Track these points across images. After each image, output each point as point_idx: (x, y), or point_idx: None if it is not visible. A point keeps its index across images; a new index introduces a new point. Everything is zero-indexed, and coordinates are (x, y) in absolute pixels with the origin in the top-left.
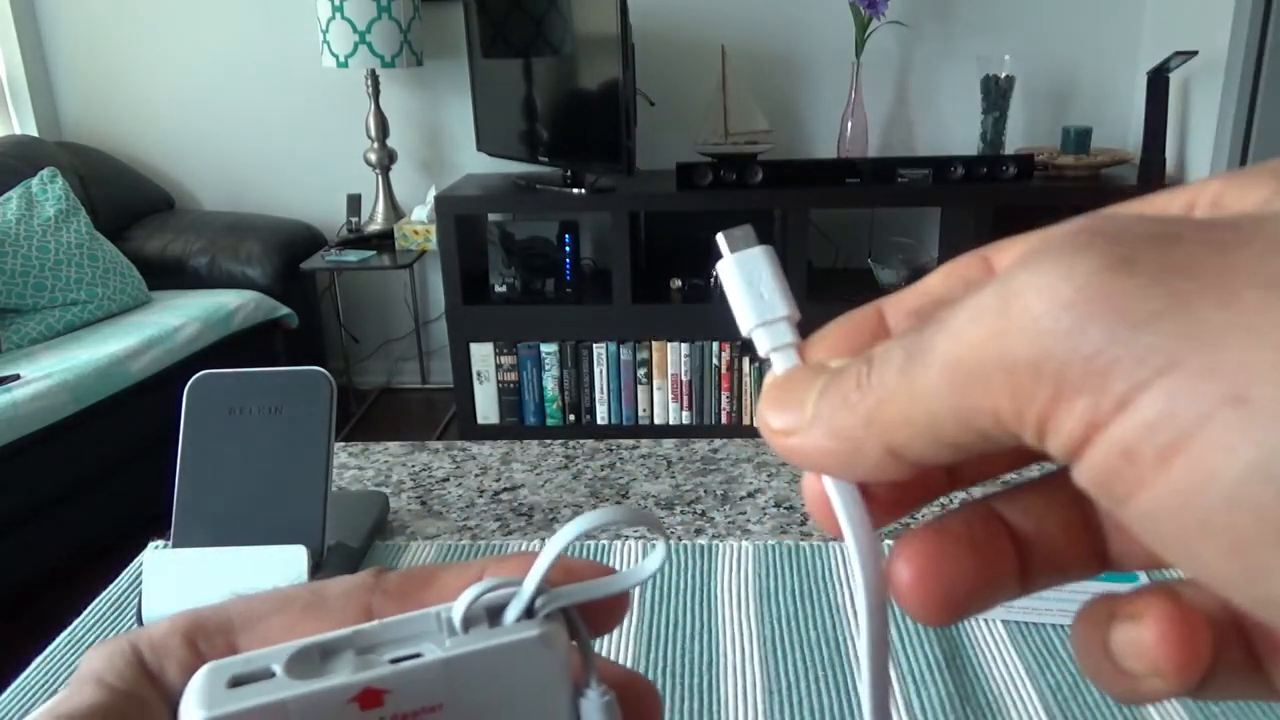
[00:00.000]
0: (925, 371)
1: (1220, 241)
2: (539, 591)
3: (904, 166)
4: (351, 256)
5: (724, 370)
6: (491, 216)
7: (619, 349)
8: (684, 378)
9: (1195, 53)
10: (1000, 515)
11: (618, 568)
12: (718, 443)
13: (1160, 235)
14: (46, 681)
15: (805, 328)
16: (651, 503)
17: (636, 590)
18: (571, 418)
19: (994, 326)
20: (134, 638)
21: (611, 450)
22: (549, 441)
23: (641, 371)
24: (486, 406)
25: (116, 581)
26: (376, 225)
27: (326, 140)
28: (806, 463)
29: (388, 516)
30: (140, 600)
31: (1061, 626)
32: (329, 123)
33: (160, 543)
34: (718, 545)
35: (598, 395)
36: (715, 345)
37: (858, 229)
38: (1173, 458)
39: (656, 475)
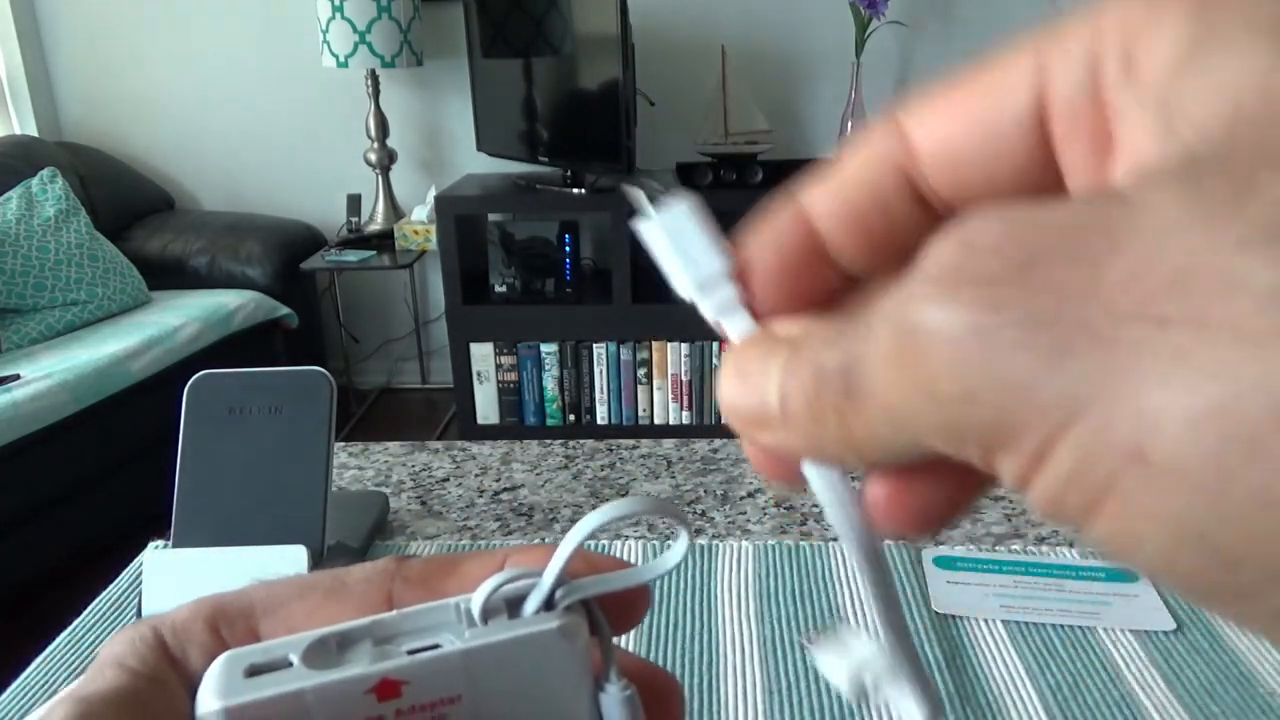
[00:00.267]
0: (868, 409)
1: (1087, 257)
2: (559, 583)
3: None
4: (351, 256)
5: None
6: (491, 216)
7: (619, 349)
8: (684, 378)
9: None
10: None
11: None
12: (718, 443)
13: (1023, 261)
14: (46, 681)
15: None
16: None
17: (656, 584)
18: (571, 418)
19: (905, 383)
20: (156, 622)
21: (611, 450)
22: (549, 441)
23: (641, 371)
24: (486, 406)
25: (116, 581)
26: (376, 225)
27: (326, 140)
28: (771, 450)
29: (388, 516)
30: (140, 600)
31: (1061, 626)
32: (329, 123)
33: (160, 543)
34: (718, 545)
35: (598, 395)
36: (715, 345)
37: None
38: (1097, 513)
39: (656, 475)
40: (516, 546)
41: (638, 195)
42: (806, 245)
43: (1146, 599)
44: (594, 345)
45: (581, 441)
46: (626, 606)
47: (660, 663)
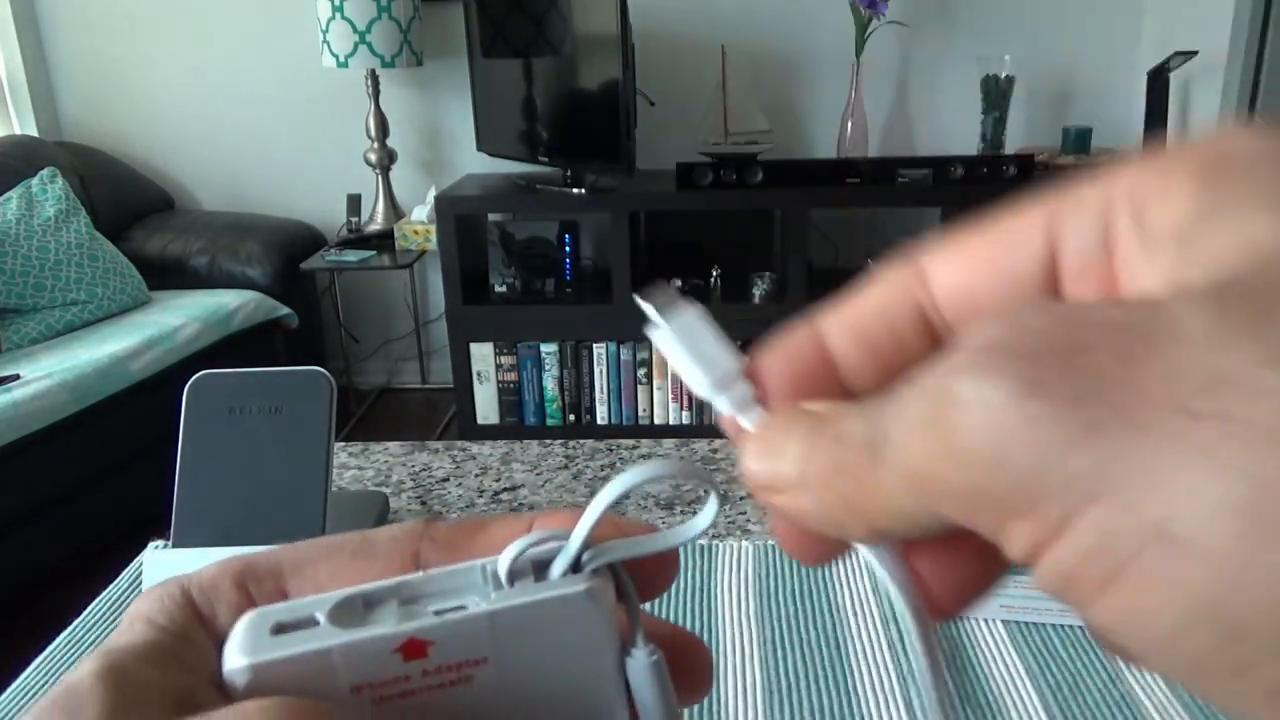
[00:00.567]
0: (888, 475)
1: (1128, 352)
2: (585, 547)
3: (904, 166)
4: (351, 256)
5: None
6: (491, 216)
7: (619, 349)
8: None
9: (1195, 53)
10: None
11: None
12: (718, 443)
13: (1068, 347)
14: (46, 681)
15: None
16: (652, 503)
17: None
18: (571, 418)
19: (932, 447)
20: (184, 581)
21: (611, 450)
22: (549, 441)
23: (641, 371)
24: (486, 406)
25: (116, 581)
26: (376, 225)
27: (326, 140)
28: (795, 521)
29: (388, 516)
30: None
31: (1061, 626)
32: (329, 123)
33: (160, 543)
34: (718, 545)
35: (598, 395)
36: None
37: (858, 229)
38: (1113, 585)
39: None
40: (544, 511)
41: (648, 306)
42: (817, 359)
43: None
44: (594, 345)
45: (581, 441)
46: (654, 572)
47: None
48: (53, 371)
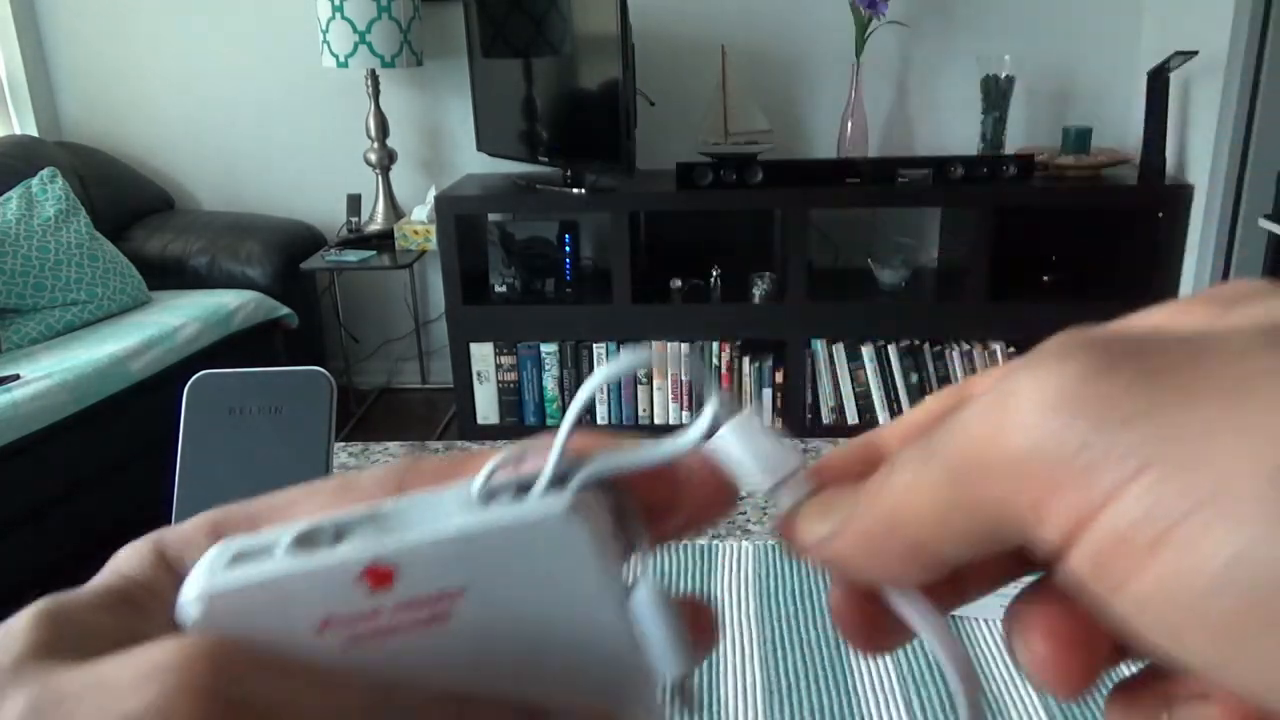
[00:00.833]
0: (935, 468)
1: (1192, 351)
2: (570, 463)
3: (904, 166)
4: (351, 256)
5: (724, 370)
6: (491, 216)
7: (619, 349)
8: (684, 378)
9: (1195, 53)
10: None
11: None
12: None
13: (1140, 345)
14: None
15: (807, 329)
16: None
17: None
18: None
19: (993, 423)
20: (159, 534)
21: None
22: None
23: (641, 371)
24: (486, 406)
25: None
26: (376, 225)
27: (326, 140)
28: (840, 566)
29: None
30: None
31: None
32: (329, 123)
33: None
34: (718, 545)
35: (598, 395)
36: (715, 345)
37: (858, 229)
38: (1160, 548)
39: None
40: (540, 437)
41: (711, 408)
42: (868, 456)
43: None
44: (594, 345)
45: None
46: (659, 496)
47: None
48: (53, 371)
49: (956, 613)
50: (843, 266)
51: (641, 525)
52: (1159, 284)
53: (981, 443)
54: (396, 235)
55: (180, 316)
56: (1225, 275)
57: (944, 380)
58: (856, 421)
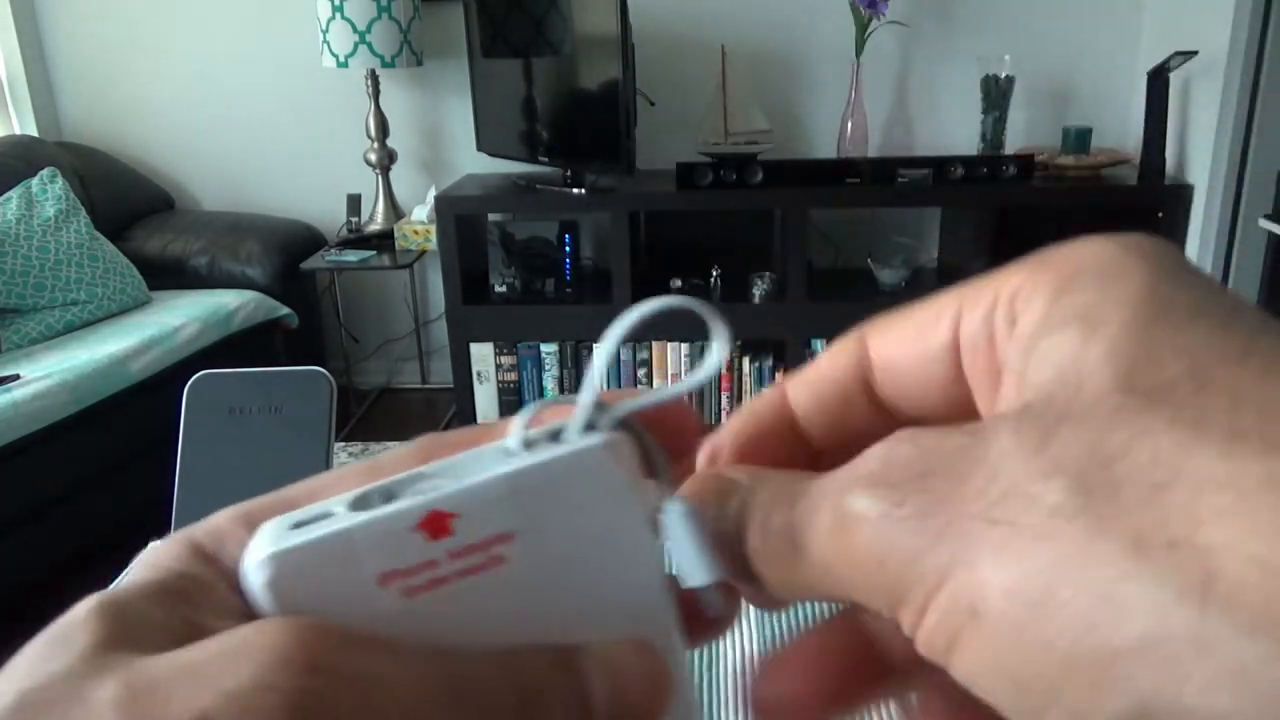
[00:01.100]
0: (807, 566)
1: (958, 473)
2: (599, 407)
3: (904, 166)
4: (351, 256)
5: (724, 370)
6: (491, 216)
7: (619, 349)
8: (682, 376)
9: (1195, 53)
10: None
11: None
12: None
13: (922, 473)
14: None
15: (807, 329)
16: None
17: None
18: None
19: (836, 552)
20: (190, 530)
21: None
22: None
23: (641, 371)
24: (486, 406)
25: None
26: (376, 225)
27: (326, 140)
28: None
29: None
30: None
31: None
32: (329, 123)
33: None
34: None
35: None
36: (715, 345)
37: (858, 229)
38: (952, 653)
39: None
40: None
41: (715, 351)
42: (783, 417)
43: None
44: (594, 345)
45: None
46: (675, 430)
47: None
48: (53, 371)
49: None
50: (843, 266)
51: (665, 461)
52: None
53: (835, 563)
54: (396, 235)
55: (180, 316)
56: (1225, 275)
57: None
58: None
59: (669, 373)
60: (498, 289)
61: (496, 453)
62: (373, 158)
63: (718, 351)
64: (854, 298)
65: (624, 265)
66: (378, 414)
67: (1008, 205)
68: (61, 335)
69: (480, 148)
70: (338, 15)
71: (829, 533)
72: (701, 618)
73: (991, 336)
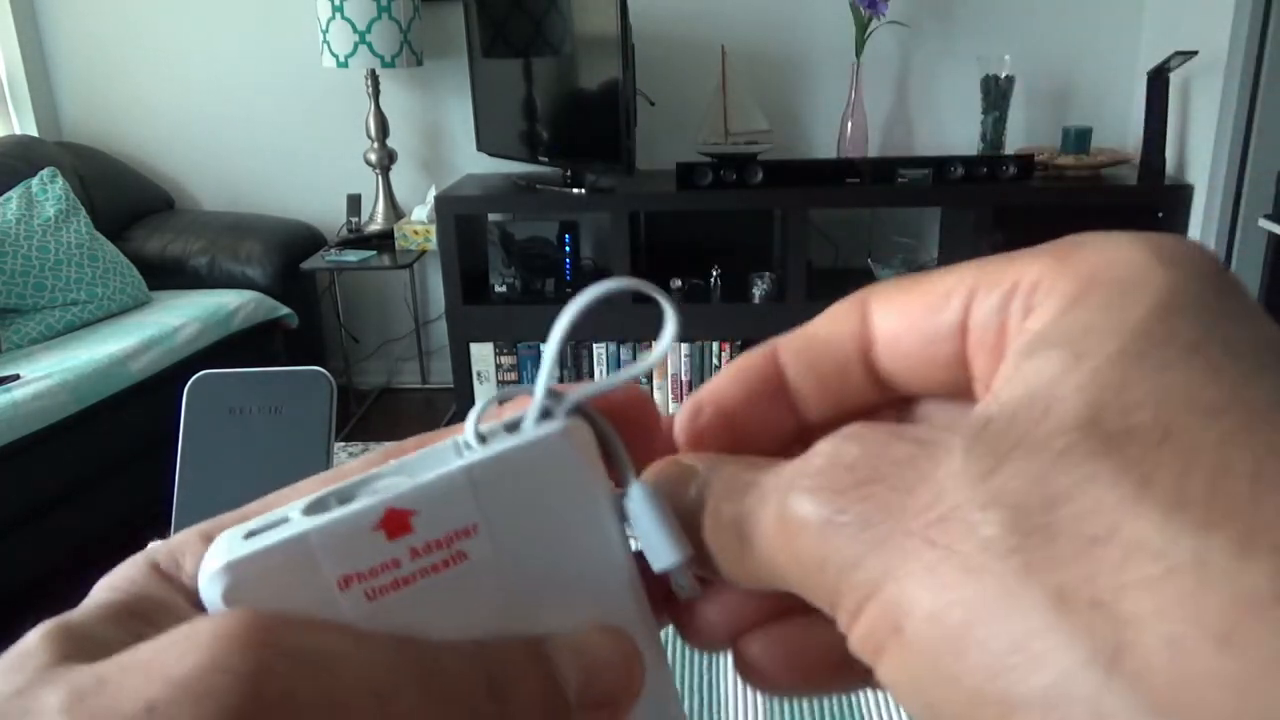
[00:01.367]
0: (755, 561)
1: (904, 485)
2: (553, 394)
3: (904, 166)
4: (351, 256)
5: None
6: (491, 216)
7: (619, 349)
8: (684, 378)
9: (1195, 53)
10: None
11: None
12: None
13: (867, 478)
14: None
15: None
16: None
17: None
18: None
19: (780, 548)
20: (149, 550)
21: None
22: None
23: (642, 374)
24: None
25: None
26: (376, 225)
27: (326, 140)
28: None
29: None
30: None
31: None
32: (329, 123)
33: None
34: None
35: None
36: (715, 345)
37: (858, 229)
38: (877, 662)
39: None
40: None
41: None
42: (771, 380)
43: None
44: (594, 345)
45: None
46: (634, 419)
47: None
48: (53, 371)
49: None
50: (843, 266)
51: (623, 446)
52: None
53: (779, 559)
54: (396, 235)
55: (180, 316)
56: None
57: None
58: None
59: (669, 373)
60: (498, 289)
61: (452, 449)
62: (373, 158)
63: (669, 333)
64: None
65: (624, 265)
66: (378, 414)
67: (1007, 205)
68: (61, 335)
69: (480, 148)
70: (338, 15)
71: (774, 531)
72: (690, 607)
73: (1003, 326)
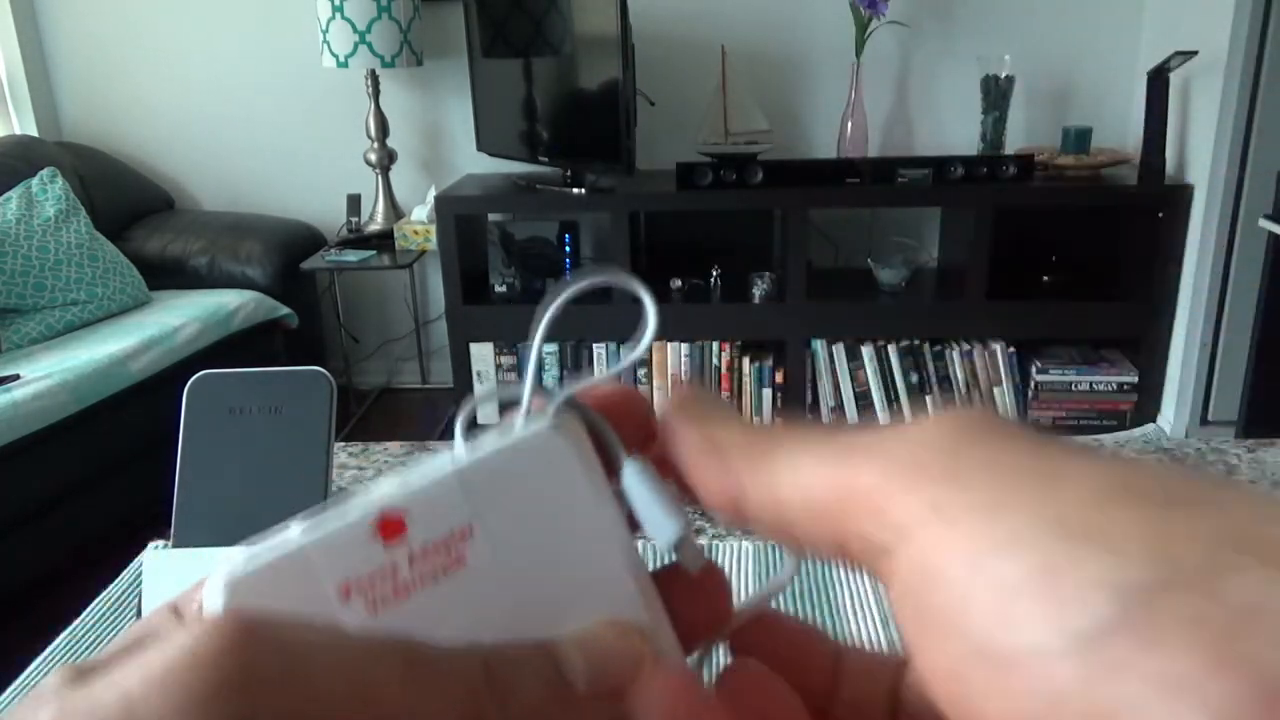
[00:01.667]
0: (778, 496)
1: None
2: (542, 391)
3: (904, 166)
4: (351, 256)
5: (724, 370)
6: (491, 216)
7: (619, 349)
8: (684, 378)
9: (1195, 53)
10: None
11: None
12: None
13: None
14: None
15: (807, 329)
16: None
17: None
18: None
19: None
20: (171, 599)
21: None
22: None
23: (641, 371)
24: (487, 406)
25: (116, 581)
26: (376, 225)
27: (326, 140)
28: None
29: None
30: (140, 600)
31: None
32: (329, 123)
33: (160, 543)
34: (718, 545)
35: None
36: (715, 345)
37: (858, 229)
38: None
39: None
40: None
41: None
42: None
43: None
44: (594, 345)
45: None
46: (627, 415)
47: None
48: (53, 371)
49: None
50: (843, 266)
51: (614, 436)
52: (1159, 284)
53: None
54: (396, 235)
55: (180, 316)
56: (1225, 275)
57: (944, 380)
58: (857, 421)
59: (669, 372)
60: (498, 289)
61: (447, 455)
62: (373, 158)
63: (651, 324)
64: (854, 298)
65: (624, 265)
66: (378, 414)
67: (1007, 205)
68: (61, 335)
69: (480, 148)
70: (338, 15)
71: (829, 466)
72: (695, 601)
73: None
